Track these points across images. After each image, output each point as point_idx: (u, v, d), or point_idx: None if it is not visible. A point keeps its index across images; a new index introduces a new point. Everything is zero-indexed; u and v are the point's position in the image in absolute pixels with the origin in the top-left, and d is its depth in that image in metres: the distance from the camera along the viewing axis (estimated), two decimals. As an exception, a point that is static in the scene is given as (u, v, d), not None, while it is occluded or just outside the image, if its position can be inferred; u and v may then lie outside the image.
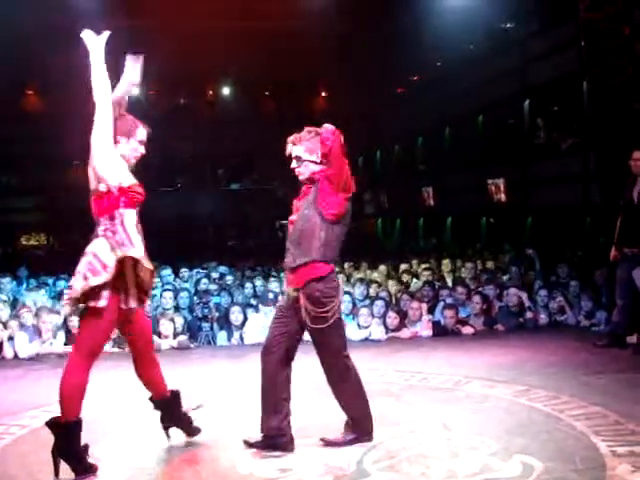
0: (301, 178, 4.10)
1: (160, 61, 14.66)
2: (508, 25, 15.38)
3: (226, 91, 22.22)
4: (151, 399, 4.19)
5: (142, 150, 3.94)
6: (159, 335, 7.43)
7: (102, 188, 3.76)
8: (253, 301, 8.63)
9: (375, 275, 10.23)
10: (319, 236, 3.93)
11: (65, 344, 7.20)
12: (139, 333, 3.99)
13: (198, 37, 14.07)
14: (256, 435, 4.08)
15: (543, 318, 8.36)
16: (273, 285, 9.09)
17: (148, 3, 12.52)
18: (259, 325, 7.51)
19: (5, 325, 7.13)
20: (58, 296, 8.63)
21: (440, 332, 7.84)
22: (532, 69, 14.83)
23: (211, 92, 22.36)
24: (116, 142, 3.83)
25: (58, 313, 7.62)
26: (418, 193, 19.58)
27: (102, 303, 3.67)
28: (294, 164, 4.10)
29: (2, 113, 17.39)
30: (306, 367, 4.41)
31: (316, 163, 4.02)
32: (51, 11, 12.31)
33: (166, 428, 4.21)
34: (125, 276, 3.75)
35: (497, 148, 16.26)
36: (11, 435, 4.45)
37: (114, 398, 5.38)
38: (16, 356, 7.00)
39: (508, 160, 15.73)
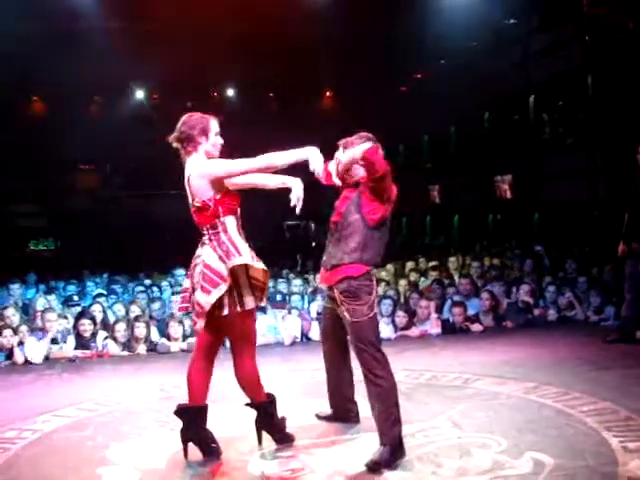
0: (348, 181, 4.10)
1: (164, 64, 14.74)
2: (511, 21, 15.34)
3: (231, 92, 22.22)
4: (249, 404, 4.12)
5: (220, 140, 4.00)
6: (168, 338, 7.47)
7: (197, 203, 3.86)
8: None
9: (383, 274, 10.22)
10: (358, 239, 3.95)
11: (75, 348, 7.24)
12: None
13: (201, 39, 14.08)
14: (326, 410, 4.51)
15: (552, 314, 8.34)
16: (281, 287, 9.08)
17: (151, 6, 12.54)
18: (265, 327, 7.52)
19: (16, 331, 7.16)
20: (67, 301, 8.67)
21: (449, 330, 7.84)
22: (536, 64, 14.80)
23: (216, 94, 22.36)
24: (198, 143, 3.92)
25: (66, 318, 7.65)
26: (424, 191, 19.56)
27: (225, 311, 3.81)
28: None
29: (9, 119, 17.45)
30: (313, 367, 4.41)
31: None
32: (55, 16, 12.35)
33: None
34: (239, 281, 3.83)
35: (503, 144, 16.23)
36: (23, 440, 4.46)
37: (123, 401, 5.40)
38: (27, 361, 7.02)
39: (514, 156, 15.70)
